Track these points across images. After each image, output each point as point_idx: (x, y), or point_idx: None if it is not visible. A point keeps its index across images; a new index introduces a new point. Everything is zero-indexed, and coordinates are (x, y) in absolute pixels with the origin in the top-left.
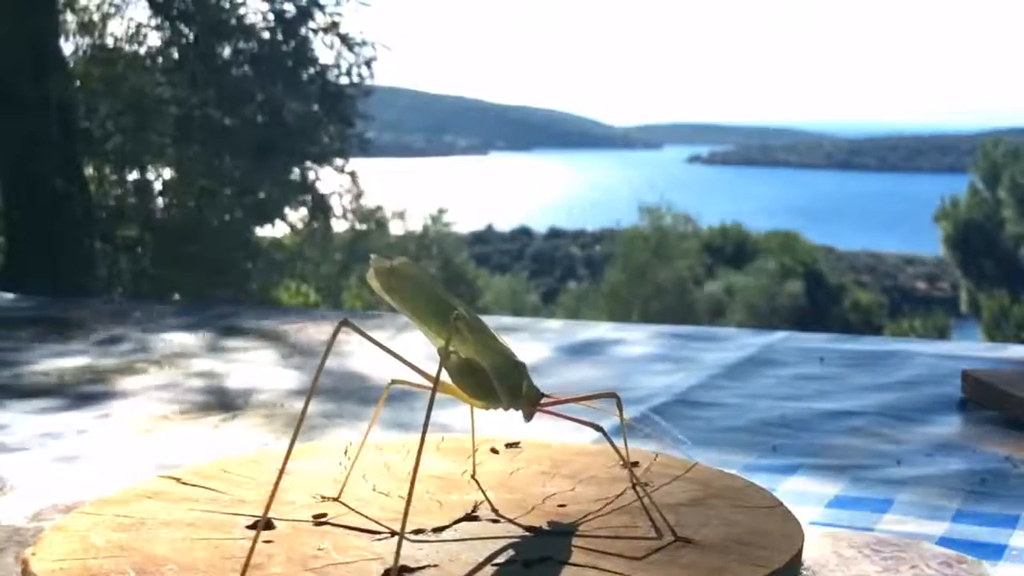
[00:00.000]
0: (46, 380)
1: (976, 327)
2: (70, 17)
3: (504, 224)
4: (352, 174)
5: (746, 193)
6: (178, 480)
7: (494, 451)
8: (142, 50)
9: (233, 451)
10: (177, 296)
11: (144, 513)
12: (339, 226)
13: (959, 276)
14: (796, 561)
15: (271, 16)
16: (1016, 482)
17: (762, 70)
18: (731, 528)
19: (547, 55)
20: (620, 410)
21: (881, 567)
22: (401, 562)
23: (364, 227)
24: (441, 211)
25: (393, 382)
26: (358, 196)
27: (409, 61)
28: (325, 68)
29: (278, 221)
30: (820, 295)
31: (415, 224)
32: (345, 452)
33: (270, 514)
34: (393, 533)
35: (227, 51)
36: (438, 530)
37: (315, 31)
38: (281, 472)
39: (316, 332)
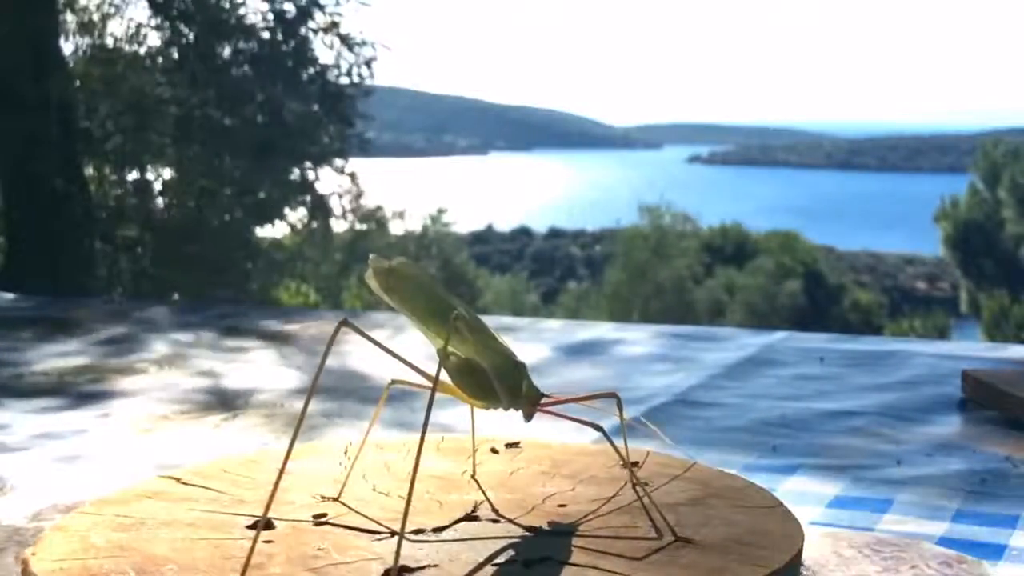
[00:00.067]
0: (46, 380)
1: (976, 327)
2: (70, 17)
3: (504, 224)
4: (352, 175)
5: (746, 193)
6: (178, 480)
7: (494, 451)
8: (142, 50)
9: (233, 451)
10: (177, 296)
11: (144, 513)
12: (339, 226)
13: (959, 276)
14: (796, 561)
15: (271, 16)
16: (1016, 482)
17: (762, 70)
18: (731, 528)
19: (547, 55)
20: (620, 410)
21: (881, 567)
22: (401, 562)
23: (364, 227)
24: (441, 211)
25: (393, 382)
26: (358, 196)
27: (409, 61)
28: (325, 68)
29: (278, 221)
30: (820, 295)
31: (415, 224)
32: (345, 452)
33: (270, 514)
34: (393, 533)
35: (227, 51)
36: (438, 530)
37: (315, 31)
38: (281, 472)
39: (318, 332)
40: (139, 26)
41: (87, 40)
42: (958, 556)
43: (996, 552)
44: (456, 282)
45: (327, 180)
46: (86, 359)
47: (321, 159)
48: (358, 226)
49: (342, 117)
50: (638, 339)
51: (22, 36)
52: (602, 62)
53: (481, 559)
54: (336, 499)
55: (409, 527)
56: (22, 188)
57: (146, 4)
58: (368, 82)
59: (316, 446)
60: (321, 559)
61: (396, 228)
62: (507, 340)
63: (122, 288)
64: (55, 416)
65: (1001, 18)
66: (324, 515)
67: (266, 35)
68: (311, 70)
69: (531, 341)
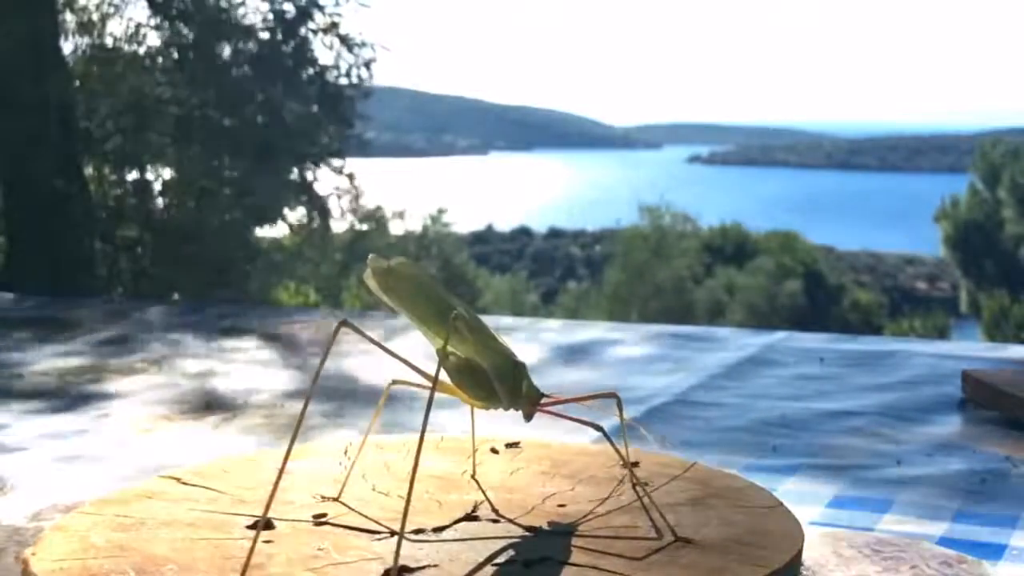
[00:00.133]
0: (46, 380)
1: (976, 327)
2: (70, 17)
3: (504, 224)
4: (350, 175)
5: (746, 193)
6: (178, 480)
7: (494, 451)
8: (141, 50)
9: (233, 451)
10: (177, 296)
11: (144, 513)
12: (338, 226)
13: (959, 276)
14: (796, 561)
15: (271, 16)
16: (1016, 482)
17: (762, 70)
18: (731, 528)
19: (547, 55)
20: (620, 410)
21: (881, 567)
22: (401, 562)
23: (364, 227)
24: (441, 211)
25: (394, 382)
26: (357, 197)
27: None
28: (324, 69)
29: (277, 222)
30: (820, 295)
31: (415, 224)
32: (345, 452)
33: (270, 514)
34: (393, 533)
35: (227, 51)
36: (438, 530)
37: (315, 32)
38: (281, 472)
39: (318, 332)
40: (138, 26)
41: (87, 40)
42: (958, 556)
43: (996, 552)
44: (456, 282)
45: (326, 180)
46: (86, 359)
47: (320, 160)
48: (358, 226)
49: (341, 118)
50: (638, 339)
51: (22, 36)
52: (602, 62)
53: (481, 559)
54: (336, 499)
55: (409, 527)
56: (22, 188)
57: (146, 4)
58: (368, 83)
59: (316, 446)
60: (321, 559)
61: (396, 228)
62: (507, 340)
63: (122, 288)
64: (55, 416)
65: (1001, 18)
66: (324, 515)
67: (266, 35)
68: (311, 71)
69: (530, 341)
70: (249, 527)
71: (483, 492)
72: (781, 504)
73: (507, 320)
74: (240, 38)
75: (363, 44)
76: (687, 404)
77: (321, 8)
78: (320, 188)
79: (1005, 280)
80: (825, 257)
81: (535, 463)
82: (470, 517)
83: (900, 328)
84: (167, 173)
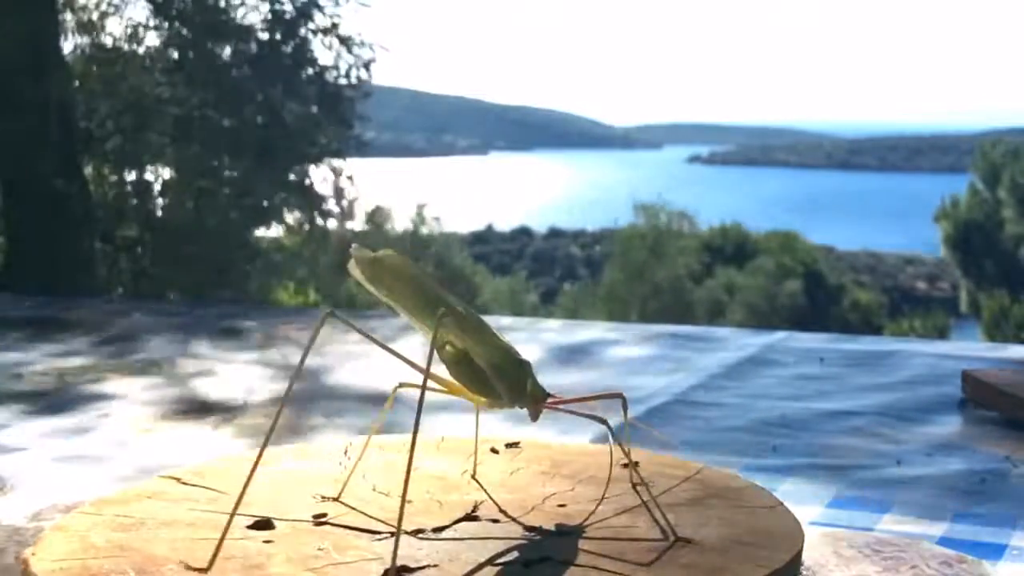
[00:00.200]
0: (46, 380)
1: (976, 327)
2: (69, 16)
3: (504, 224)
4: (349, 177)
5: (746, 193)
6: (178, 480)
7: (494, 451)
8: (141, 50)
9: (233, 451)
10: (176, 296)
11: (144, 513)
12: (337, 226)
13: (959, 276)
14: (796, 561)
15: (270, 17)
16: (1016, 482)
17: (762, 70)
18: (731, 528)
19: (547, 55)
20: (625, 411)
21: (881, 567)
22: (401, 562)
23: (363, 228)
24: (439, 213)
25: (400, 385)
26: (355, 198)
27: (409, 61)
28: (324, 69)
29: (276, 222)
30: (820, 295)
31: (413, 224)
32: (345, 452)
33: (271, 514)
34: (392, 533)
35: (227, 52)
36: (438, 530)
37: (314, 32)
38: (256, 463)
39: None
40: (138, 26)
41: (87, 40)
42: (958, 556)
43: (996, 552)
44: (456, 282)
45: (325, 181)
46: (86, 359)
47: (319, 160)
48: (357, 227)
49: (341, 118)
50: (637, 339)
51: (22, 36)
52: (602, 62)
53: (481, 559)
54: (336, 499)
55: (409, 527)
56: (22, 188)
57: (146, 4)
58: (367, 83)
59: (316, 446)
60: (321, 559)
61: (395, 228)
62: (508, 340)
63: (122, 288)
64: (55, 416)
65: (1001, 18)
66: (324, 515)
67: (265, 36)
68: (310, 71)
69: (530, 341)
70: (250, 527)
71: (485, 491)
72: (781, 504)
73: (506, 320)
74: (240, 38)
75: (363, 44)
76: (687, 404)
77: (321, 8)
78: (319, 188)
79: (1005, 280)
80: (825, 257)
81: (535, 463)
82: (470, 517)
83: (900, 328)
84: (167, 173)
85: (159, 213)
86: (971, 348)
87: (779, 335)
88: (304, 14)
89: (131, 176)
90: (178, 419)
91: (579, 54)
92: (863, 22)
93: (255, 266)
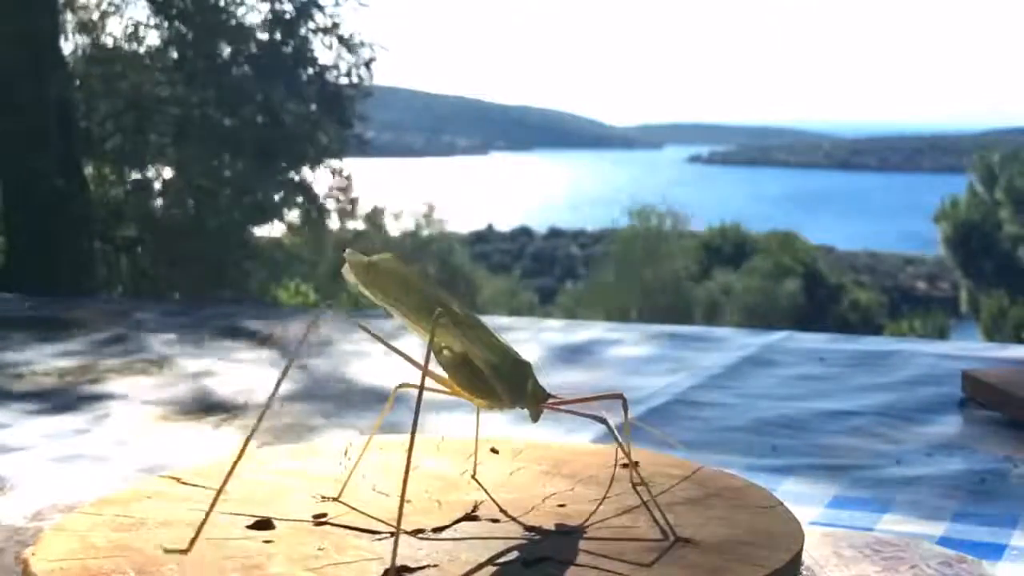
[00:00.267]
0: (46, 380)
1: (976, 327)
2: (70, 17)
3: (504, 224)
4: (349, 177)
5: (746, 193)
6: (178, 480)
7: (494, 451)
8: (141, 49)
9: (233, 451)
10: (176, 296)
11: (144, 513)
12: (337, 226)
13: (959, 276)
14: (796, 561)
15: (270, 16)
16: (1016, 482)
17: (762, 70)
18: (731, 528)
19: (547, 55)
20: (625, 411)
21: (881, 567)
22: (401, 562)
23: (363, 228)
24: (436, 212)
25: (401, 385)
26: (355, 197)
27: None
28: (324, 69)
29: (276, 221)
30: (819, 295)
31: (413, 224)
32: (345, 452)
33: (271, 514)
34: (392, 533)
35: (227, 51)
36: (438, 530)
37: (314, 32)
38: (236, 461)
39: (317, 331)
40: (138, 25)
41: (87, 40)
42: (958, 556)
43: (996, 552)
44: (455, 282)
45: (324, 181)
46: (86, 359)
47: (319, 160)
48: (357, 227)
49: (341, 118)
50: (637, 339)
51: (22, 36)
52: (602, 62)
53: (481, 559)
54: (336, 499)
55: (409, 527)
56: (22, 188)
57: (146, 4)
58: (367, 83)
59: (316, 446)
60: (321, 559)
61: (395, 228)
62: (507, 340)
63: (121, 288)
64: (55, 416)
65: (1001, 18)
66: (324, 515)
67: (265, 36)
68: (310, 71)
69: (530, 342)
70: (250, 527)
71: (486, 491)
72: (781, 504)
73: (505, 320)
74: (240, 38)
75: (363, 44)
76: (687, 404)
77: (321, 8)
78: (318, 188)
79: (1004, 280)
80: (824, 257)
81: (535, 463)
82: (470, 517)
83: (900, 328)
84: (167, 173)
85: (159, 213)
86: (971, 348)
87: (779, 335)
88: (304, 14)
89: (131, 176)
90: (178, 419)
91: (579, 54)
92: (863, 22)
93: (255, 266)
